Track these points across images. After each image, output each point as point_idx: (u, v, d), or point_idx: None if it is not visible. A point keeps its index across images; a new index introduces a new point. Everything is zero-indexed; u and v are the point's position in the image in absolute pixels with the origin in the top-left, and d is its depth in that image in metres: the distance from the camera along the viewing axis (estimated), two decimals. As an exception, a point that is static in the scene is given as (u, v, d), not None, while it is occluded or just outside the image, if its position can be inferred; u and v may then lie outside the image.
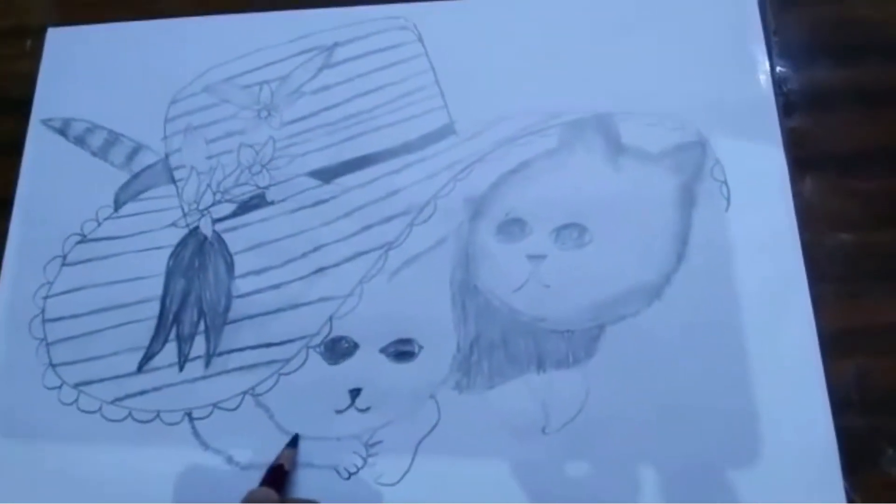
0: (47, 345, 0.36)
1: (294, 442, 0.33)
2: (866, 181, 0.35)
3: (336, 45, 0.40)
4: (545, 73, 0.38)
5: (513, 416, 0.33)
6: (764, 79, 0.37)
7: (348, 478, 0.33)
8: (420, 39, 0.40)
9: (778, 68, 0.38)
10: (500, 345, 0.34)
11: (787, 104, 0.37)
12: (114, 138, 0.39)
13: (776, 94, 0.37)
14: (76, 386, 0.35)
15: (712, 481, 0.32)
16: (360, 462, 0.33)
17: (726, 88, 0.37)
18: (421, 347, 0.34)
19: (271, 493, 0.31)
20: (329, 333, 0.35)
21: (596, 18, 0.39)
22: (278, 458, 0.33)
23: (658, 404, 0.33)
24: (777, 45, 0.38)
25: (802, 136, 0.36)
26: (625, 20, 0.39)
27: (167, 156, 0.39)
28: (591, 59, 0.38)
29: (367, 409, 0.34)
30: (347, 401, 0.34)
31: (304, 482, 0.33)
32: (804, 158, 0.36)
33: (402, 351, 0.34)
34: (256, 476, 0.33)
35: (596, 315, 0.34)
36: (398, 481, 0.33)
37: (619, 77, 0.38)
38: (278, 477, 0.32)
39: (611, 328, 0.34)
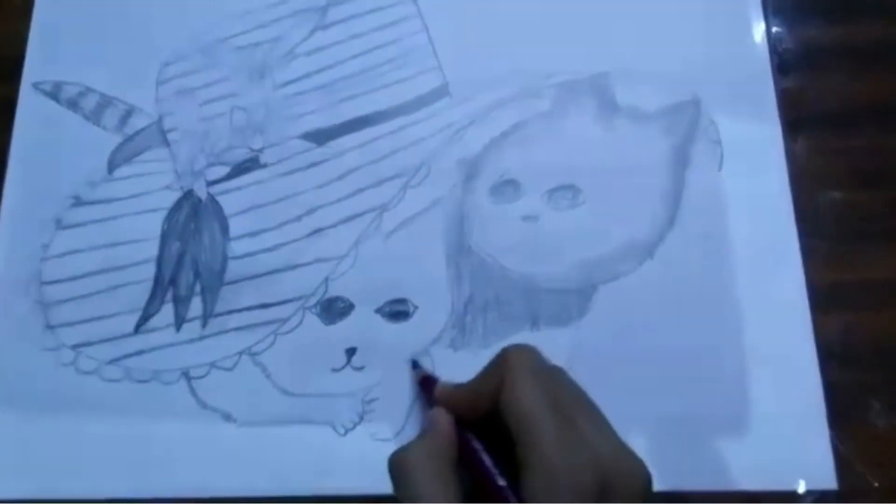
0: (44, 307, 0.36)
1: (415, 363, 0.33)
2: (857, 141, 0.36)
3: (329, 5, 0.39)
4: (539, 33, 0.38)
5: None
6: (759, 38, 0.37)
7: (345, 434, 0.33)
8: (414, 0, 0.39)
9: (773, 28, 0.38)
10: (493, 304, 0.35)
11: (782, 63, 0.37)
12: (106, 101, 0.39)
13: (771, 54, 0.37)
14: (74, 347, 0.35)
15: (701, 434, 0.32)
16: (356, 419, 0.33)
17: (721, 48, 0.37)
18: (416, 307, 0.35)
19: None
20: (325, 294, 0.35)
21: (590, -23, 0.39)
22: (417, 374, 0.33)
23: (649, 361, 0.33)
24: (772, 4, 0.38)
25: (796, 95, 0.36)
26: (619, -21, 0.39)
27: (160, 118, 0.39)
28: (585, 19, 0.38)
29: (363, 367, 0.34)
30: (343, 360, 0.34)
31: (302, 438, 0.33)
32: (797, 118, 0.36)
33: (397, 311, 0.35)
34: (254, 433, 0.33)
35: (589, 274, 0.35)
36: (394, 437, 0.33)
37: (613, 37, 0.38)
38: (432, 383, 0.31)
39: (603, 287, 0.34)
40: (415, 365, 0.33)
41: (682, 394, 0.33)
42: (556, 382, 0.26)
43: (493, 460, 0.26)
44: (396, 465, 0.26)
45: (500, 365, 0.26)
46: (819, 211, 0.35)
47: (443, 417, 0.28)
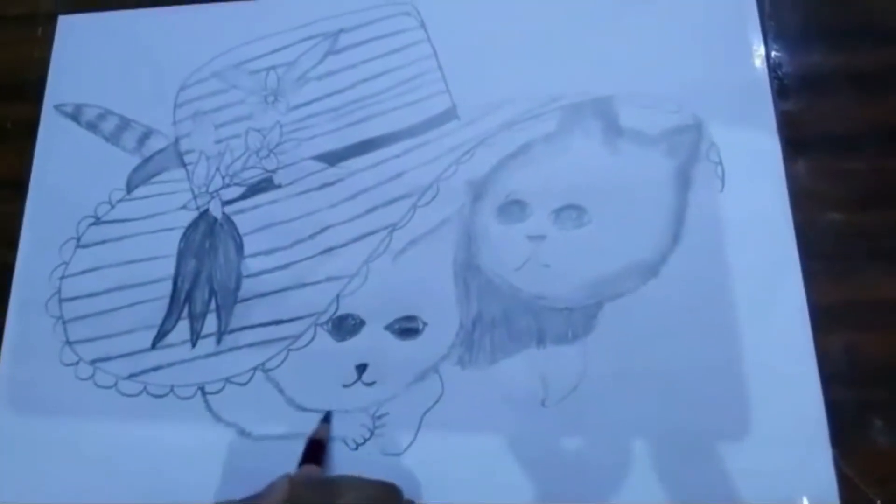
0: (64, 323, 0.37)
1: (327, 418, 0.34)
2: (857, 162, 0.36)
3: (341, 31, 0.41)
4: (545, 57, 0.39)
5: (513, 389, 0.34)
6: (759, 62, 0.38)
7: (356, 448, 0.34)
8: (423, 25, 0.40)
9: (773, 52, 0.39)
10: (501, 322, 0.35)
11: (782, 87, 0.38)
12: (125, 123, 0.40)
13: (771, 78, 0.38)
14: (92, 362, 0.36)
15: (705, 451, 0.33)
16: (367, 434, 0.34)
17: (722, 72, 0.38)
18: (425, 324, 0.35)
19: (313, 468, 0.32)
20: (336, 311, 0.36)
21: (594, 5, 0.40)
22: (315, 432, 0.34)
23: (653, 378, 0.34)
24: (772, 28, 0.39)
25: (796, 118, 0.37)
26: (623, 5, 0.40)
27: (177, 140, 0.40)
28: (589, 43, 0.39)
29: (373, 383, 0.35)
30: (354, 375, 0.35)
31: (313, 453, 0.34)
32: (797, 140, 0.37)
33: (406, 328, 0.35)
34: (267, 447, 0.34)
35: (594, 293, 0.35)
36: (403, 452, 0.34)
37: (617, 61, 0.39)
38: (317, 451, 0.33)
39: (609, 305, 0.35)
40: (326, 418, 0.34)
41: (686, 410, 0.33)
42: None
43: None
44: None
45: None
46: (819, 231, 0.35)
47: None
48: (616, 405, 0.34)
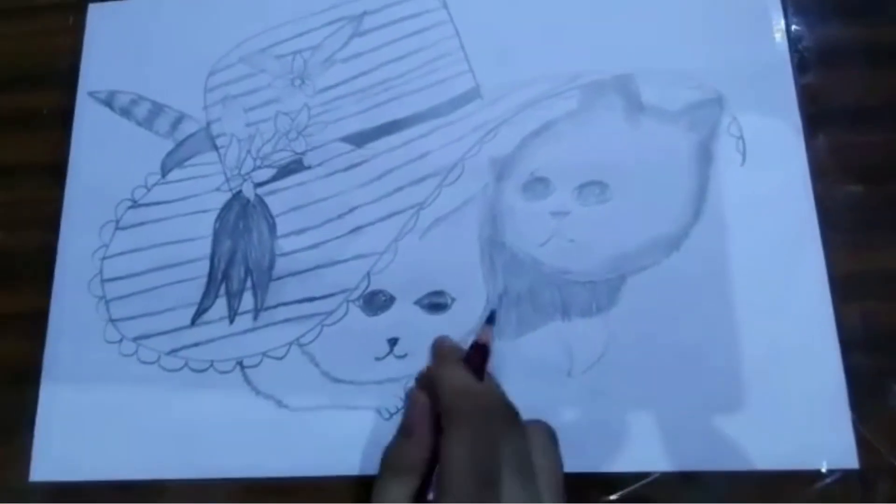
0: (106, 302, 0.39)
1: (491, 318, 0.34)
2: (876, 135, 0.37)
3: (365, 13, 0.41)
4: (566, 36, 0.40)
5: (540, 361, 0.36)
6: (779, 37, 0.38)
7: (389, 418, 0.35)
8: (445, 6, 0.41)
9: (793, 26, 0.39)
10: (526, 296, 0.37)
11: (802, 61, 0.38)
12: (157, 109, 0.42)
13: (791, 52, 0.38)
14: (135, 339, 0.38)
15: (727, 418, 0.34)
16: (400, 403, 0.36)
17: (742, 47, 0.38)
18: (453, 299, 0.37)
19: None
20: (367, 287, 0.37)
21: (616, -18, 0.40)
22: (479, 335, 0.33)
23: (675, 348, 0.35)
24: (792, 2, 0.39)
25: (816, 92, 0.38)
26: (644, -17, 0.40)
27: (208, 124, 0.41)
28: (610, 21, 0.40)
29: (405, 355, 0.36)
30: (386, 349, 0.36)
31: (349, 422, 0.36)
32: (817, 114, 0.37)
33: (435, 303, 0.37)
34: (304, 418, 0.36)
35: (617, 266, 0.36)
36: (435, 420, 0.35)
37: (637, 38, 0.39)
38: (482, 355, 0.32)
39: (631, 278, 0.36)
40: (491, 319, 0.34)
41: (708, 379, 0.34)
42: (495, 438, 0.27)
43: None
44: (381, 462, 0.30)
45: (452, 395, 0.29)
46: (839, 203, 0.36)
47: (422, 425, 0.30)
48: (639, 375, 0.35)
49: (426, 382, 0.31)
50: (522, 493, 0.26)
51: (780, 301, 0.35)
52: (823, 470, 0.33)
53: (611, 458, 0.34)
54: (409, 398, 0.31)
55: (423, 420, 0.30)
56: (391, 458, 0.30)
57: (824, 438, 0.33)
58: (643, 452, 0.34)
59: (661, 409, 0.34)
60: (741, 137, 0.37)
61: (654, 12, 0.40)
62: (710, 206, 0.36)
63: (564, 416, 0.35)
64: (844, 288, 0.35)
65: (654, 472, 0.33)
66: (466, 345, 0.34)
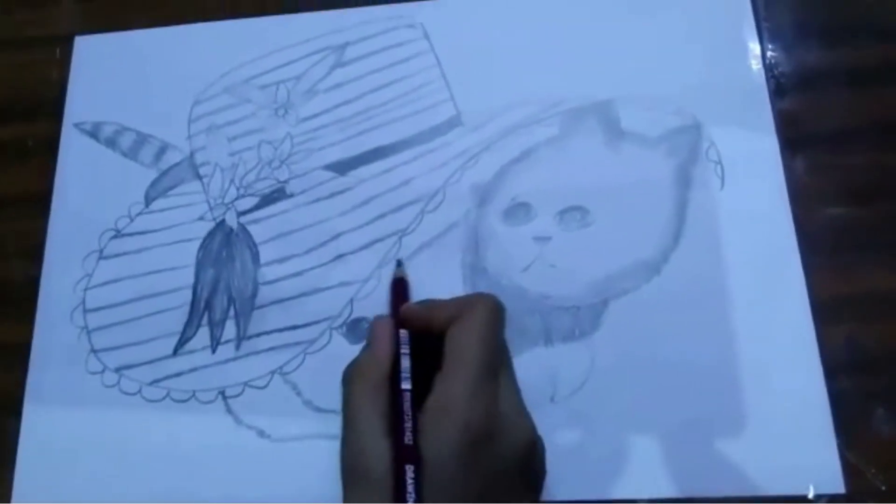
0: (89, 332, 0.39)
1: (399, 263, 0.37)
2: (854, 158, 0.37)
3: (347, 44, 0.42)
4: (545, 63, 0.40)
5: (523, 386, 0.35)
6: (755, 62, 0.39)
7: (372, 448, 0.35)
8: (426, 36, 0.42)
9: (769, 52, 0.39)
10: (509, 322, 0.36)
11: (778, 86, 0.39)
12: (142, 139, 0.42)
13: (767, 77, 0.39)
14: (117, 370, 0.38)
15: (712, 443, 0.34)
16: (382, 433, 0.35)
17: (720, 73, 0.39)
18: (436, 326, 0.37)
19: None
20: (350, 315, 0.37)
21: (592, 10, 0.41)
22: (395, 273, 0.36)
23: (659, 372, 0.35)
24: (767, 30, 0.40)
25: (793, 116, 0.38)
26: (621, 12, 0.41)
27: (192, 154, 0.41)
28: (589, 48, 0.40)
29: (388, 384, 0.36)
30: (369, 377, 0.36)
31: (331, 452, 0.35)
32: (795, 138, 0.38)
33: (418, 330, 0.37)
34: (286, 448, 0.35)
35: (599, 291, 0.36)
36: (418, 450, 0.35)
37: (616, 65, 0.40)
38: (405, 288, 0.35)
39: (613, 303, 0.36)
40: (399, 264, 0.36)
41: (692, 403, 0.34)
42: (498, 339, 0.29)
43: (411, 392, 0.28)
44: (343, 379, 0.30)
45: (467, 303, 0.30)
46: (819, 226, 0.36)
47: (385, 337, 0.30)
48: (623, 400, 0.35)
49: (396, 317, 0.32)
50: (511, 385, 0.29)
51: (762, 325, 0.35)
52: (810, 495, 0.32)
53: (595, 484, 0.33)
54: (372, 322, 0.32)
55: (385, 335, 0.30)
56: (354, 368, 0.30)
57: (810, 463, 0.33)
58: (627, 479, 0.33)
59: (645, 436, 0.34)
60: (720, 162, 0.37)
61: (633, 39, 0.40)
62: (690, 231, 0.37)
63: (548, 442, 0.34)
64: (827, 311, 0.35)
65: (639, 499, 0.33)
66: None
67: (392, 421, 0.27)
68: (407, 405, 0.27)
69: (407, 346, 0.30)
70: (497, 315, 0.29)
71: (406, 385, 0.28)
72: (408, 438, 0.26)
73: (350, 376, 0.30)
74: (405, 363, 0.29)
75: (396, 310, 0.32)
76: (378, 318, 0.32)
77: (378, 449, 0.26)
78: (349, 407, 0.29)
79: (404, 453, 0.26)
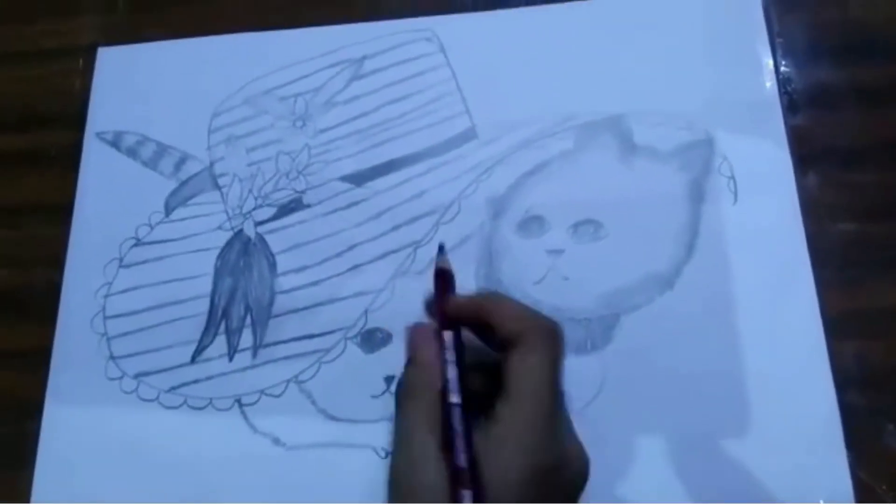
0: (108, 339, 0.39)
1: (441, 249, 0.33)
2: (866, 175, 0.37)
3: (364, 57, 0.43)
4: (560, 78, 0.41)
5: (535, 398, 0.36)
6: (768, 79, 0.39)
7: (385, 457, 0.36)
8: (442, 50, 0.42)
9: (782, 68, 0.40)
10: (522, 334, 0.37)
11: (791, 103, 0.39)
12: (162, 149, 0.43)
13: (780, 94, 0.39)
14: (136, 376, 0.38)
15: (723, 456, 0.34)
16: (396, 442, 0.36)
17: (733, 89, 0.39)
18: (450, 337, 0.37)
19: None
20: (365, 325, 0.38)
21: (606, 27, 0.42)
22: (439, 262, 0.32)
23: (670, 386, 0.35)
24: (781, 46, 0.40)
25: (806, 132, 0.38)
26: (634, 27, 0.41)
27: (211, 164, 0.42)
28: (603, 64, 0.41)
29: (402, 393, 0.36)
30: (383, 386, 0.37)
31: (345, 460, 0.36)
32: (807, 154, 0.38)
33: (432, 340, 0.37)
34: (300, 455, 0.36)
35: (612, 304, 0.37)
36: (431, 459, 0.35)
37: (630, 80, 0.40)
38: (450, 279, 0.31)
39: (626, 317, 0.36)
40: (441, 250, 0.33)
41: (704, 417, 0.34)
42: (558, 363, 0.28)
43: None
44: (395, 399, 0.29)
45: (532, 327, 0.28)
46: (830, 242, 0.36)
47: (429, 347, 0.29)
48: (635, 413, 0.35)
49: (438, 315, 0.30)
50: (567, 414, 0.28)
51: (774, 340, 0.35)
52: (820, 510, 0.33)
53: (607, 496, 0.34)
54: (409, 331, 0.30)
55: (428, 344, 0.29)
56: (403, 390, 0.28)
57: (820, 477, 0.33)
58: (638, 492, 0.34)
59: (657, 448, 0.34)
60: (732, 177, 0.38)
61: (647, 54, 0.41)
62: (703, 245, 0.37)
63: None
64: (838, 326, 0.35)
65: (651, 512, 0.33)
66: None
67: (447, 438, 0.26)
68: (458, 421, 0.26)
69: (453, 352, 0.28)
70: (563, 347, 0.28)
71: (455, 398, 0.26)
72: (463, 461, 0.25)
73: (400, 397, 0.28)
74: (452, 373, 0.27)
75: (441, 305, 0.30)
76: (415, 326, 0.30)
77: (432, 471, 0.25)
78: (402, 427, 0.27)
79: (462, 477, 0.25)
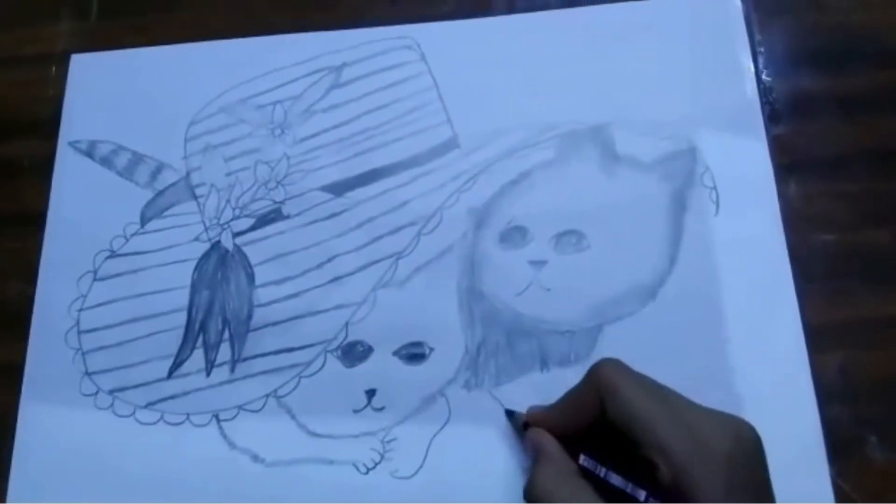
0: (83, 354, 0.38)
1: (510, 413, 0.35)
2: (848, 184, 0.37)
3: (344, 65, 0.42)
4: (542, 87, 0.41)
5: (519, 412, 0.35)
6: (750, 88, 0.39)
7: (366, 473, 0.35)
8: (423, 58, 0.42)
9: (763, 78, 0.40)
10: (505, 346, 0.37)
11: (773, 112, 0.39)
12: (137, 159, 0.42)
13: (762, 103, 0.39)
14: (111, 392, 0.38)
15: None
16: (377, 458, 0.35)
17: (715, 98, 0.39)
18: (431, 349, 0.37)
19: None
20: (345, 338, 0.37)
21: (589, 36, 0.41)
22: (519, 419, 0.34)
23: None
24: (763, 55, 0.40)
25: (787, 142, 0.38)
26: (617, 37, 0.41)
27: (188, 174, 0.41)
28: (585, 73, 0.41)
29: (382, 408, 0.36)
30: (364, 401, 0.36)
31: (325, 477, 0.35)
32: (789, 164, 0.38)
33: (413, 353, 0.37)
34: (281, 471, 0.35)
35: (594, 315, 0.36)
36: (413, 475, 0.35)
37: (612, 90, 0.40)
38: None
39: (609, 328, 0.36)
40: (509, 414, 0.35)
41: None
42: (643, 378, 0.29)
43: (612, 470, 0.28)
44: (533, 493, 0.28)
45: (594, 380, 0.29)
46: (812, 253, 0.36)
47: (547, 439, 0.30)
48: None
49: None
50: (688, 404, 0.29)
51: (755, 351, 0.35)
52: (803, 523, 0.32)
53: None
54: (530, 439, 0.31)
55: (554, 442, 0.30)
56: (542, 473, 0.29)
57: (803, 490, 0.33)
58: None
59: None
60: (714, 188, 0.38)
61: (629, 64, 0.41)
62: (685, 256, 0.37)
63: (543, 469, 0.34)
64: (820, 338, 0.35)
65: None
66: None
67: None
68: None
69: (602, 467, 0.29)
70: (626, 367, 0.29)
71: (641, 495, 0.27)
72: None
73: (546, 489, 0.28)
74: (614, 478, 0.28)
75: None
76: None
77: None
78: None
79: None
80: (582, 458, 0.29)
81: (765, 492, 0.27)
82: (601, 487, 0.28)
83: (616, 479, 0.28)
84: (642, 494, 0.27)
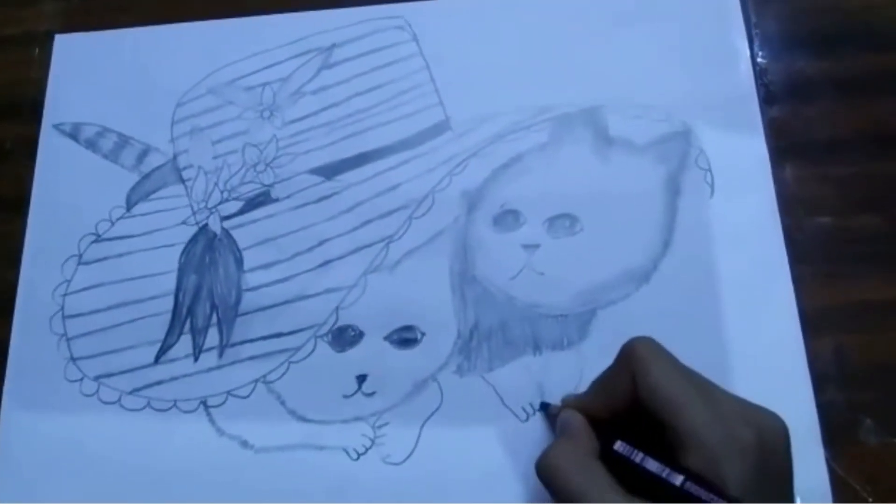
0: (67, 340, 0.38)
1: (543, 406, 0.34)
2: (844, 167, 0.37)
3: (334, 46, 0.41)
4: (535, 69, 0.40)
5: (511, 395, 0.35)
6: (745, 70, 0.39)
7: (357, 458, 0.35)
8: (415, 39, 0.41)
9: (759, 60, 0.39)
10: (497, 330, 0.36)
11: (769, 94, 0.39)
12: (123, 141, 0.41)
13: (757, 85, 0.38)
14: (96, 378, 0.37)
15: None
16: (367, 443, 0.35)
17: (710, 80, 0.39)
18: (423, 334, 0.36)
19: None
20: (335, 323, 0.37)
21: (582, 17, 0.41)
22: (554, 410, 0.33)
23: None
24: (758, 37, 0.40)
25: (783, 124, 0.38)
26: (611, 18, 0.40)
27: (175, 157, 0.40)
28: (579, 55, 0.40)
29: (373, 393, 0.36)
30: (355, 386, 0.36)
31: (316, 463, 0.35)
32: (784, 146, 0.37)
33: (405, 338, 0.36)
34: (271, 458, 0.35)
35: (588, 300, 0.36)
36: (404, 460, 0.34)
37: (606, 72, 0.39)
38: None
39: (602, 312, 0.36)
40: (544, 406, 0.34)
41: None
42: (677, 361, 0.28)
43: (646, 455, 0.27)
44: (544, 469, 0.28)
45: (628, 360, 0.28)
46: (807, 236, 0.36)
47: (575, 418, 0.30)
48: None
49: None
50: (723, 392, 0.28)
51: (750, 335, 0.35)
52: (797, 507, 0.32)
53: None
54: (559, 418, 0.31)
55: (582, 421, 0.29)
56: (557, 448, 0.28)
57: (798, 475, 0.33)
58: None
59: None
60: (709, 170, 0.37)
61: (623, 46, 0.40)
62: (679, 239, 0.36)
63: (535, 452, 0.34)
64: (815, 321, 0.35)
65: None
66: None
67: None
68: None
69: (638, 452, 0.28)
70: (659, 347, 0.29)
71: (677, 479, 0.26)
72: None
73: (556, 464, 0.28)
74: (651, 463, 0.27)
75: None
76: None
77: None
78: (568, 490, 0.26)
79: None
80: (618, 444, 0.28)
81: (787, 489, 0.27)
82: (629, 476, 0.27)
83: (652, 465, 0.27)
84: (679, 479, 0.26)
